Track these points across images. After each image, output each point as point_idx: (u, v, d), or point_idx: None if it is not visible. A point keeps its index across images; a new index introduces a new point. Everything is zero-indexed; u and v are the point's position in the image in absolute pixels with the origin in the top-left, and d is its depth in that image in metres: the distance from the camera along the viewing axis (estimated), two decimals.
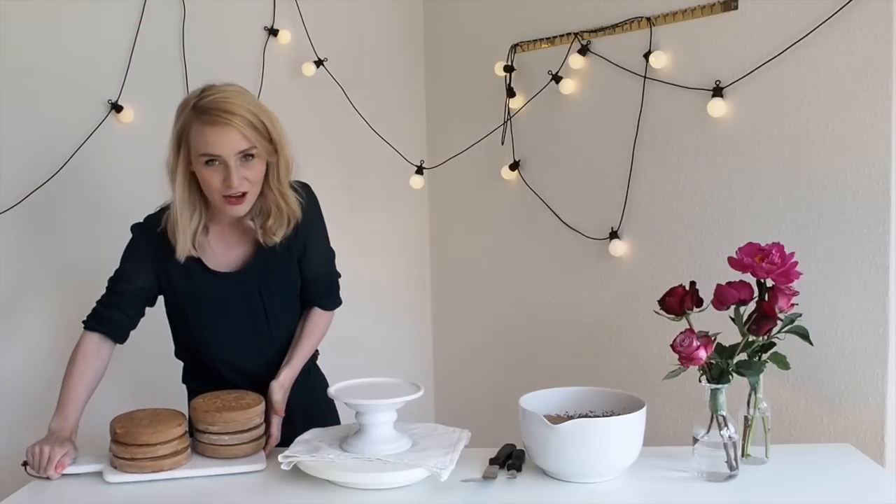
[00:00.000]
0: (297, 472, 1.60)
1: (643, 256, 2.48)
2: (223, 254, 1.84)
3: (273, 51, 2.82)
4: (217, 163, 1.70)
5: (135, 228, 1.88)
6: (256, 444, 1.70)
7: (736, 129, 2.21)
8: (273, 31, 2.81)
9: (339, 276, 1.99)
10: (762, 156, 2.16)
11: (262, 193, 1.78)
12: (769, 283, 1.62)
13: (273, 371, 1.85)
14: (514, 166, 2.84)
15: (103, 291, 2.43)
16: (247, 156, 1.71)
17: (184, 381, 2.00)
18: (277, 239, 1.80)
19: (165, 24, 2.60)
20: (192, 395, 1.95)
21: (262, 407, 1.73)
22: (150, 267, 1.84)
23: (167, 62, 2.61)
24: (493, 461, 1.64)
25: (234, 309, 1.85)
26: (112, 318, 1.83)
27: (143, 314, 1.89)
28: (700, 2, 2.26)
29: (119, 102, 2.50)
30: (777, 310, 1.58)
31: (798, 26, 2.04)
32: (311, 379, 1.97)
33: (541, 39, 2.73)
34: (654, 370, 2.20)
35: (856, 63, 1.95)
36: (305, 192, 1.88)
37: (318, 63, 2.87)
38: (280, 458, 1.59)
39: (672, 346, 1.54)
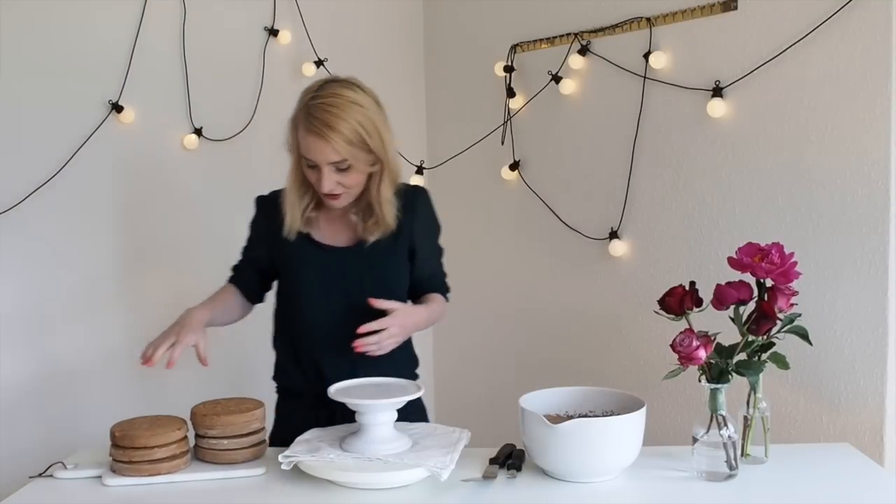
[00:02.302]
0: (297, 472, 1.60)
1: (643, 256, 2.48)
2: (330, 232, 1.89)
3: (273, 51, 2.82)
4: (315, 166, 1.75)
5: (256, 201, 1.97)
6: (257, 450, 1.70)
7: (735, 130, 2.21)
8: (273, 31, 2.81)
9: (445, 274, 2.02)
10: (762, 156, 2.16)
11: (368, 194, 1.82)
12: (769, 282, 1.62)
13: (359, 365, 1.83)
14: (514, 166, 2.85)
15: (101, 292, 2.46)
16: (342, 166, 1.74)
17: (274, 377, 2.00)
18: (372, 239, 1.84)
19: (166, 24, 2.60)
20: (279, 392, 1.97)
21: (261, 412, 1.72)
22: (262, 236, 1.93)
23: (167, 62, 2.61)
24: (493, 461, 1.64)
25: (330, 284, 1.86)
26: (240, 277, 1.97)
27: (261, 281, 1.97)
28: (700, 2, 2.26)
29: (119, 102, 2.50)
30: (776, 310, 1.58)
31: (798, 26, 2.04)
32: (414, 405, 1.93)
33: (541, 39, 2.73)
34: (654, 370, 2.20)
35: (855, 63, 1.95)
36: (421, 196, 1.91)
37: (319, 63, 2.87)
38: (280, 457, 1.59)
39: (672, 345, 1.54)
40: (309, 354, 1.89)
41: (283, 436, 1.87)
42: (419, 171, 3.00)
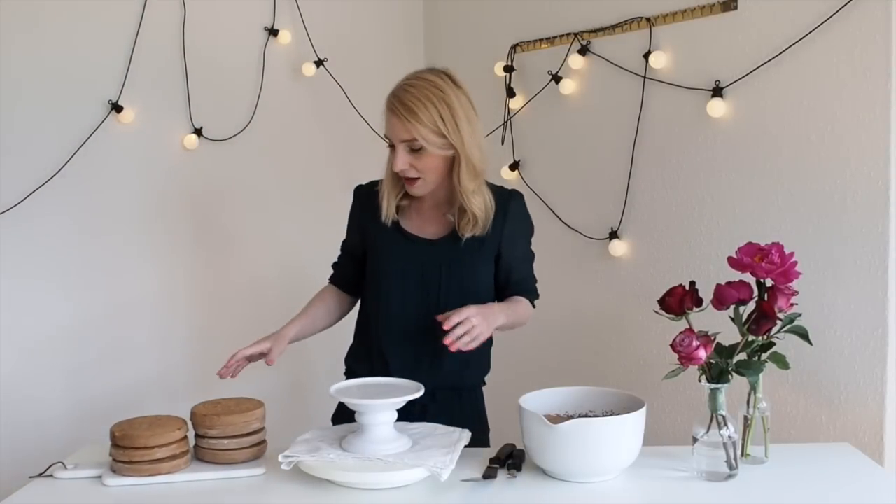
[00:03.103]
0: (297, 472, 1.60)
1: (643, 256, 2.48)
2: (419, 223, 1.91)
3: (273, 51, 2.82)
4: (392, 146, 1.81)
5: (354, 191, 2.01)
6: (257, 450, 1.70)
7: (735, 130, 2.21)
8: (273, 31, 2.81)
9: (535, 280, 1.98)
10: (761, 156, 2.16)
11: (453, 188, 1.84)
12: (769, 282, 1.62)
13: (427, 364, 1.84)
14: (514, 166, 2.85)
15: (100, 292, 2.45)
16: (414, 146, 1.77)
17: (345, 359, 2.01)
18: (466, 234, 1.84)
19: (166, 24, 2.60)
20: (346, 374, 1.98)
21: (261, 412, 1.72)
22: (356, 224, 1.98)
23: (167, 62, 2.61)
24: (493, 461, 1.64)
25: (408, 273, 1.87)
26: (338, 272, 2.03)
27: (360, 272, 1.98)
28: (700, 2, 2.26)
29: (119, 102, 2.50)
30: (776, 309, 1.58)
31: (797, 27, 2.04)
32: (478, 403, 1.95)
33: (541, 39, 2.73)
34: (654, 370, 2.20)
35: (855, 63, 1.95)
36: (515, 200, 1.90)
37: (318, 63, 2.87)
38: (280, 457, 1.59)
39: (672, 345, 1.54)
40: (379, 342, 1.89)
41: (340, 419, 1.92)
42: None
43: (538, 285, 1.97)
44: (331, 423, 1.94)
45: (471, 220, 1.83)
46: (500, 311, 1.82)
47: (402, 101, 1.77)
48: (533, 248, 1.96)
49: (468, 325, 1.69)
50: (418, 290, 1.86)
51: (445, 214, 1.88)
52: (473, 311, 1.71)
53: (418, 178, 1.81)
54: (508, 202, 1.89)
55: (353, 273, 1.99)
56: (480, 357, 1.92)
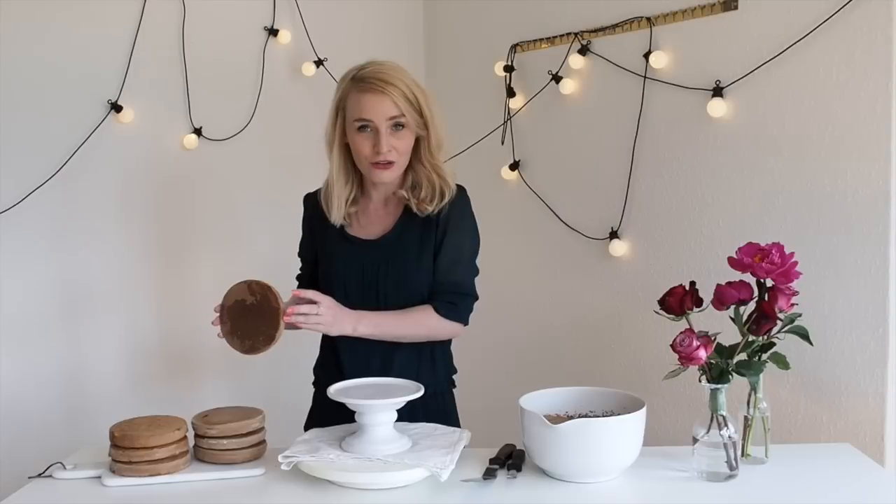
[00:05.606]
0: (297, 472, 1.60)
1: (643, 256, 2.48)
2: (362, 225, 1.90)
3: (273, 51, 2.82)
4: (369, 129, 1.78)
5: (304, 199, 2.00)
6: (256, 450, 1.70)
7: (736, 129, 2.21)
8: (273, 31, 2.81)
9: (471, 295, 1.88)
10: (762, 156, 2.16)
11: (414, 168, 1.84)
12: (769, 282, 1.61)
13: (378, 364, 1.83)
14: (514, 166, 2.85)
15: (100, 292, 2.44)
16: (397, 125, 1.78)
17: (314, 369, 2.00)
18: (431, 209, 1.83)
19: (166, 24, 2.60)
20: (315, 382, 1.98)
21: (261, 414, 1.73)
22: (308, 233, 1.99)
23: (167, 62, 2.61)
24: (493, 461, 1.64)
25: (351, 275, 1.86)
26: (303, 283, 2.01)
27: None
28: (700, 2, 2.26)
29: (119, 102, 2.50)
30: (777, 310, 1.58)
31: (798, 26, 2.04)
32: (445, 406, 1.93)
33: (541, 39, 2.73)
34: (654, 370, 2.20)
35: (856, 63, 1.95)
36: (459, 195, 1.87)
37: (318, 63, 2.87)
38: (280, 458, 1.59)
39: (672, 346, 1.54)
40: (332, 345, 1.89)
41: (309, 425, 1.93)
42: None
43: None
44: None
45: (437, 194, 1.82)
46: (357, 320, 1.79)
47: (382, 79, 1.76)
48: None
49: (314, 310, 1.73)
50: (360, 291, 1.85)
51: (395, 193, 1.85)
52: (327, 305, 1.75)
53: (393, 163, 1.79)
54: (453, 196, 1.85)
55: (315, 280, 1.96)
56: (436, 358, 1.90)
